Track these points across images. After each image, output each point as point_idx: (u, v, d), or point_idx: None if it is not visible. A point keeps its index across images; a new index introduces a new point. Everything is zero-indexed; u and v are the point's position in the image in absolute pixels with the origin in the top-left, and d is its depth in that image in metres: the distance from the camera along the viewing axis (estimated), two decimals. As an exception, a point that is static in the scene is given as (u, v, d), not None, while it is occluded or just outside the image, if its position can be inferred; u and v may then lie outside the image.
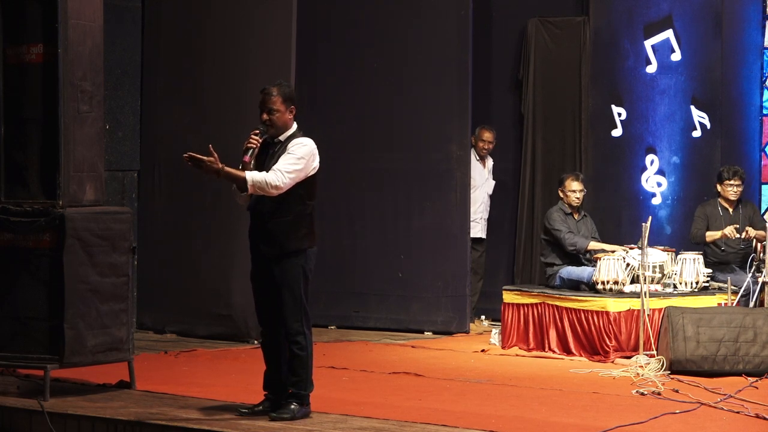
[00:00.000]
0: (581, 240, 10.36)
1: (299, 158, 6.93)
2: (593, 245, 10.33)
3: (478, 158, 11.96)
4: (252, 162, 6.97)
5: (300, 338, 7.04)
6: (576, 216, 10.59)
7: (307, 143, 7.00)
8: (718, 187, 10.64)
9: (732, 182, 10.56)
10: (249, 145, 6.98)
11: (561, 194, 10.64)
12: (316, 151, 7.05)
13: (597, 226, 10.77)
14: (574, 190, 10.54)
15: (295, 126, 7.10)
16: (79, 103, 7.77)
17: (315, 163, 7.05)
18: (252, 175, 6.84)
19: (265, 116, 7.01)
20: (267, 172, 6.88)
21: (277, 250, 7.01)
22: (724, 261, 10.55)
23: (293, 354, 7.06)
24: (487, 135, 11.99)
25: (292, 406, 7.05)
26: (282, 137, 7.05)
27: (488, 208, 12.13)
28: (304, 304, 7.05)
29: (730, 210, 10.62)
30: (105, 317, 7.79)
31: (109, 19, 8.28)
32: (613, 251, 10.12)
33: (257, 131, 7.01)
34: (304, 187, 7.01)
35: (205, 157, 6.80)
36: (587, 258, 10.37)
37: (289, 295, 7.02)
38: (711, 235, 10.52)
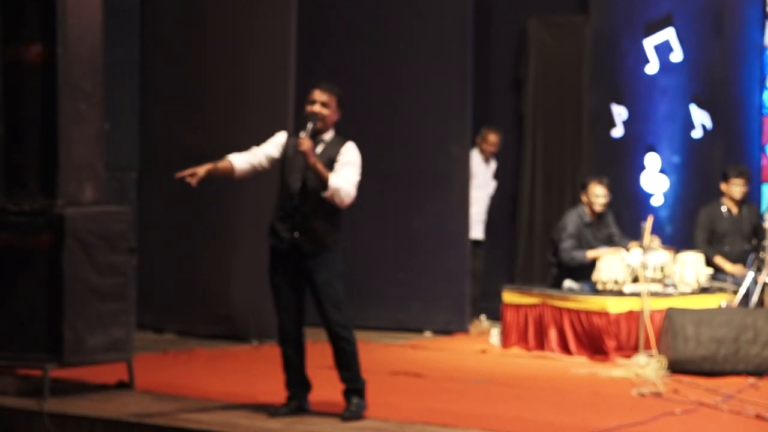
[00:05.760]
0: (579, 253, 10.22)
1: (358, 166, 7.17)
2: (592, 255, 10.18)
3: (483, 159, 11.89)
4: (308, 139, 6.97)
5: (347, 333, 7.12)
6: (594, 222, 10.40)
7: (356, 149, 7.18)
8: (723, 187, 10.60)
9: (738, 181, 10.53)
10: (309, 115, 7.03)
11: (583, 199, 10.46)
12: None
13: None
14: (598, 195, 10.35)
15: (332, 130, 7.22)
16: (78, 103, 7.77)
17: None
18: (338, 182, 6.98)
19: (317, 108, 7.07)
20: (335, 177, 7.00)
21: (322, 246, 7.06)
22: (729, 261, 10.53)
23: (343, 350, 7.13)
24: (492, 137, 11.88)
25: (355, 401, 7.15)
26: (326, 137, 7.15)
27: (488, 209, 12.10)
28: (343, 298, 7.12)
29: (734, 211, 10.59)
30: (104, 317, 7.78)
31: (108, 18, 8.26)
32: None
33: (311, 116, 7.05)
34: None
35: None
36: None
37: (333, 291, 7.06)
38: (719, 263, 10.43)
